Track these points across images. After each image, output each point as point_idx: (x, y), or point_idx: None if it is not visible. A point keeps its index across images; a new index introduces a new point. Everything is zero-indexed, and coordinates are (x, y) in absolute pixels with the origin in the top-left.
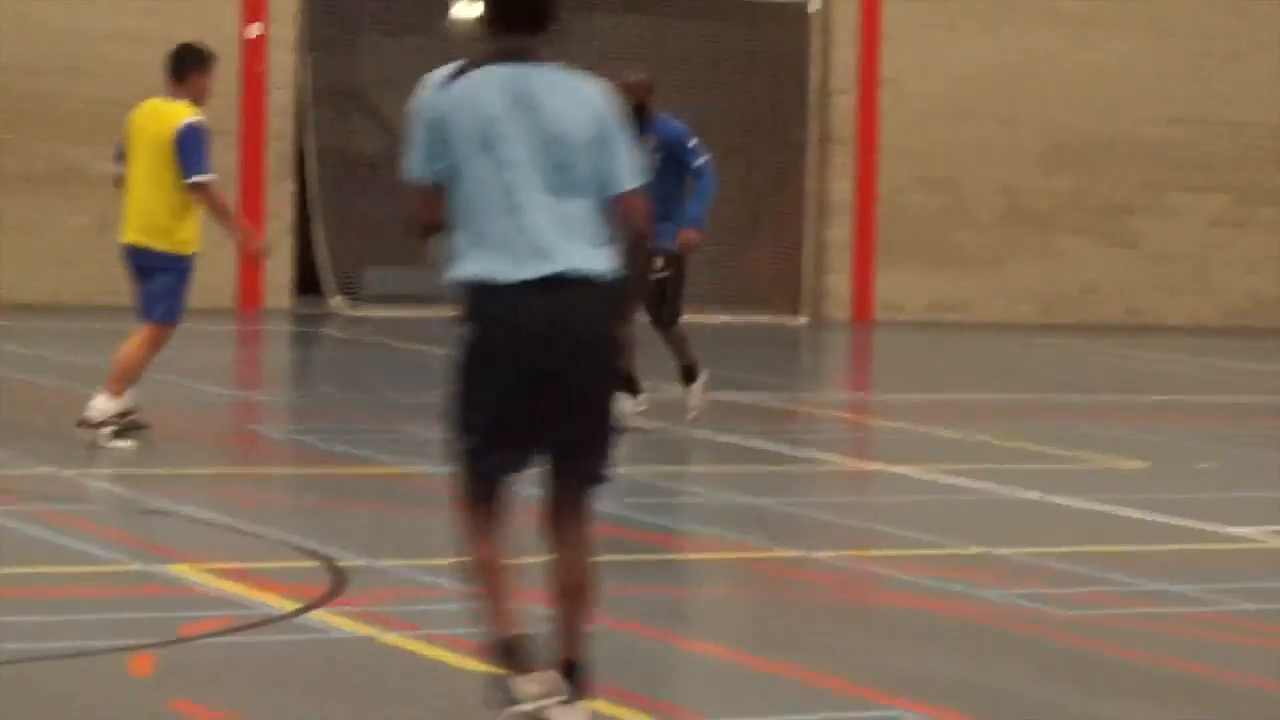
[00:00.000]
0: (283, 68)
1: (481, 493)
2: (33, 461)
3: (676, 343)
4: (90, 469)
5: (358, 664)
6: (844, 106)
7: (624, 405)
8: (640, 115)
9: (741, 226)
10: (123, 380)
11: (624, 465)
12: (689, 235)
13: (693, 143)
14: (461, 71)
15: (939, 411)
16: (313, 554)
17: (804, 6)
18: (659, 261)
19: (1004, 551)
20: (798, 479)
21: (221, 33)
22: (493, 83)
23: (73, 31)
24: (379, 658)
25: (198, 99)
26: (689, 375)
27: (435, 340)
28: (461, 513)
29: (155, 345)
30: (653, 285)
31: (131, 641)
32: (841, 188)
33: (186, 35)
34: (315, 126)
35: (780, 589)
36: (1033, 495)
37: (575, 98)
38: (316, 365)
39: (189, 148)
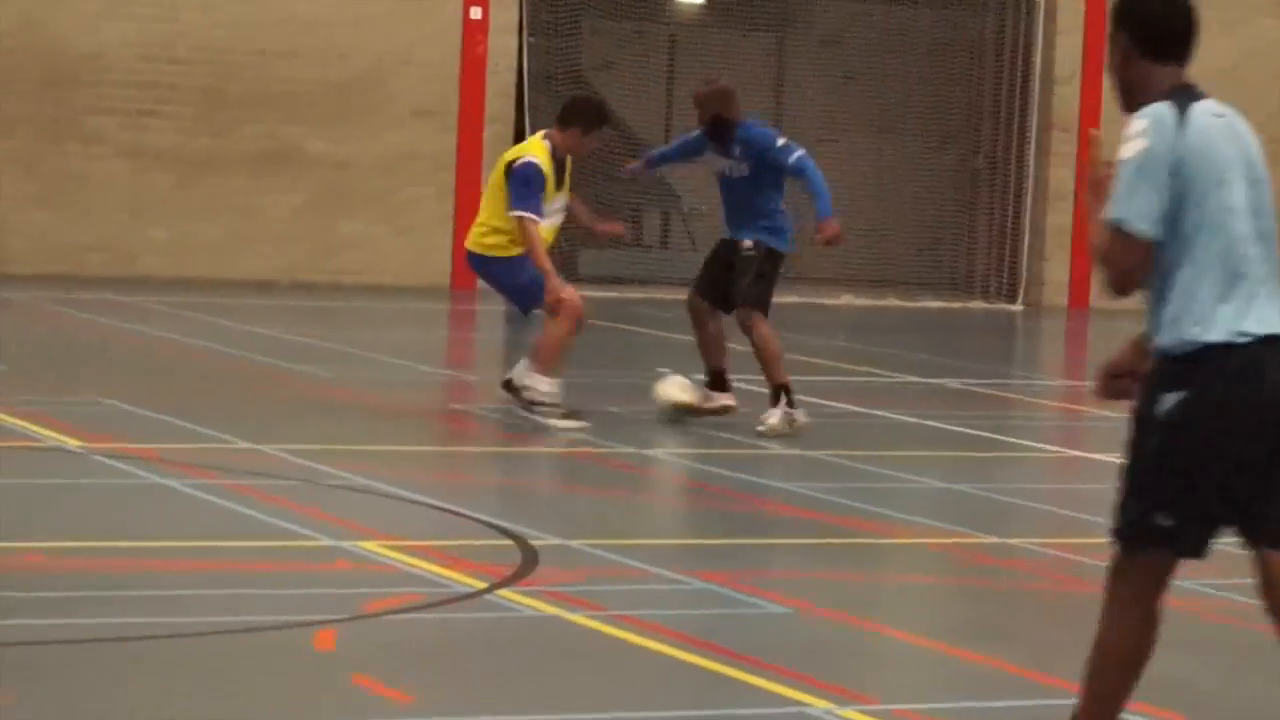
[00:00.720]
0: (503, 51)
1: (1156, 575)
2: (235, 436)
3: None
4: (290, 445)
5: (543, 643)
6: (1067, 94)
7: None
8: (722, 125)
9: (960, 212)
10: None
11: (829, 449)
12: (830, 228)
13: (781, 142)
14: (1181, 110)
15: None
16: (506, 532)
17: None
18: (748, 243)
19: None
20: (1003, 465)
21: (444, 15)
22: (1220, 124)
23: (295, 15)
24: (564, 637)
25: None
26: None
27: (644, 321)
28: (1121, 590)
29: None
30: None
31: (318, 617)
32: (1062, 175)
33: (407, 18)
34: (532, 109)
35: (978, 576)
36: None
37: (1254, 138)
38: (524, 345)
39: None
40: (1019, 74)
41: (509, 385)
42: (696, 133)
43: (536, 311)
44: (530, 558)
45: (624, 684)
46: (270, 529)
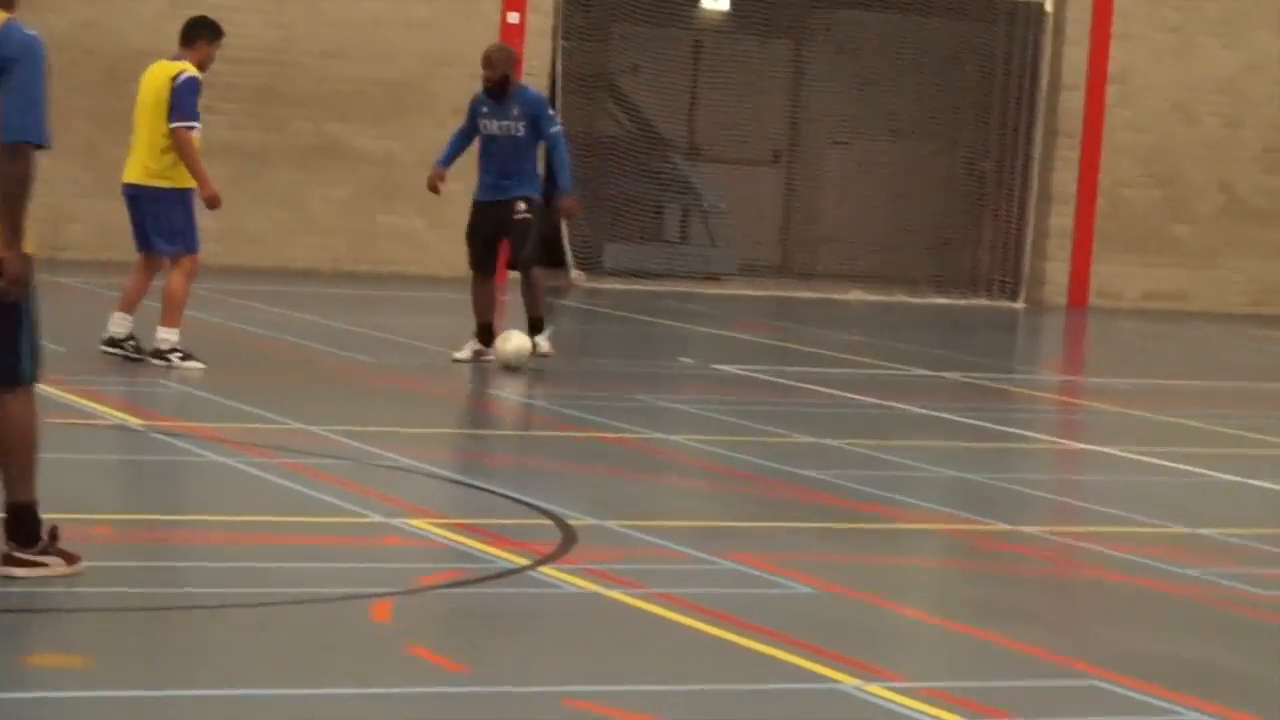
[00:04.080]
0: (538, 54)
1: None
2: (287, 417)
3: (528, 291)
4: (340, 426)
5: (586, 618)
6: (1072, 102)
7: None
8: (508, 84)
9: (967, 213)
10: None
11: (846, 439)
12: (569, 204)
13: (550, 111)
14: None
15: (1148, 396)
16: (544, 512)
17: (1040, 5)
18: (520, 205)
19: (1206, 531)
20: (1009, 456)
21: (484, 19)
22: None
23: (345, 19)
24: (606, 612)
25: (202, 66)
26: (535, 327)
27: (664, 313)
28: None
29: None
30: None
31: (373, 590)
32: (1065, 179)
33: (449, 21)
34: (564, 111)
35: (989, 561)
36: (1234, 478)
37: None
38: (553, 334)
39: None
40: (1026, 82)
41: (112, 341)
42: (471, 107)
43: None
44: (569, 536)
45: (665, 658)
46: (325, 506)
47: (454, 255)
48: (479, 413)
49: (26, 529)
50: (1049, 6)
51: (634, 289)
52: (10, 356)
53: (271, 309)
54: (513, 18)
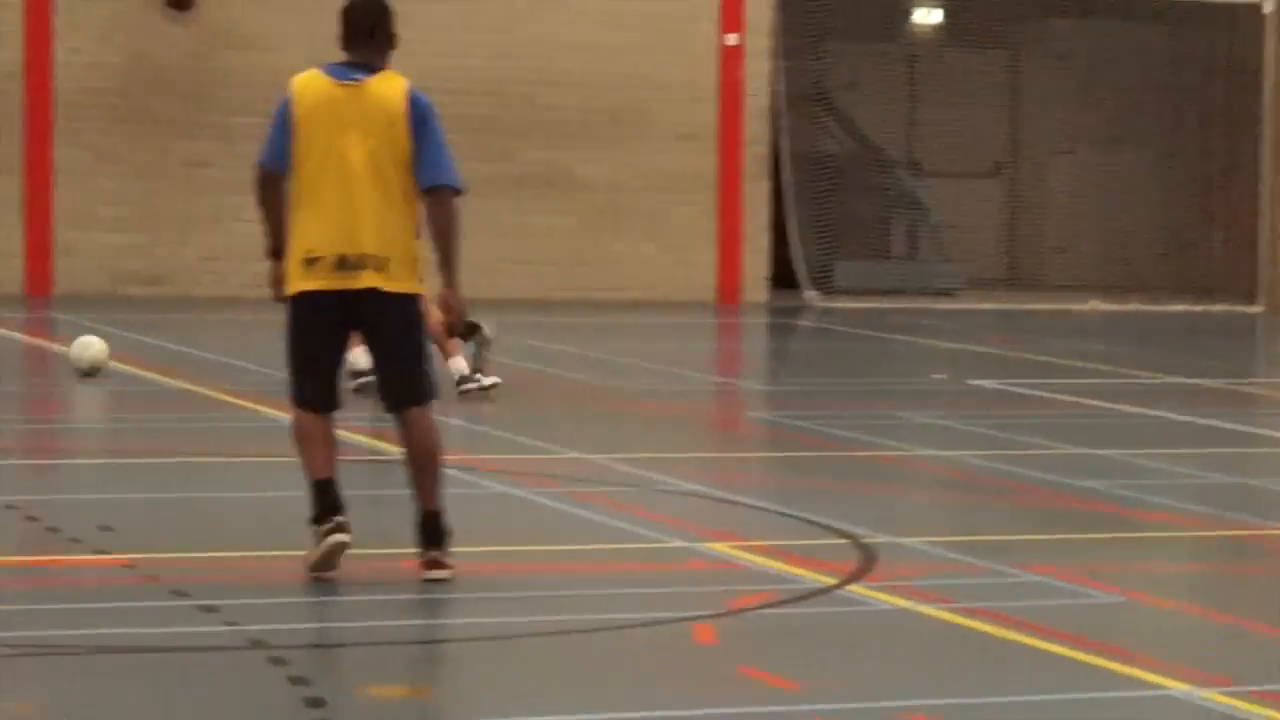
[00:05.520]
0: (758, 75)
1: None
2: (562, 447)
3: None
4: (612, 453)
5: (905, 634)
6: None
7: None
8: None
9: (1196, 218)
10: None
11: (1113, 448)
12: None
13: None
14: None
15: None
16: (838, 532)
17: (1258, 6)
18: None
19: None
20: (1259, 459)
21: (702, 43)
22: None
23: (564, 47)
24: (923, 628)
25: None
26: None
27: (904, 329)
28: None
29: None
30: None
31: (689, 613)
32: None
33: (667, 45)
34: (788, 130)
35: (1244, 560)
36: None
37: None
38: (796, 354)
39: None
40: (1249, 84)
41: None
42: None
43: None
44: (868, 555)
45: (992, 672)
46: (623, 533)
47: (683, 279)
48: (740, 436)
49: (440, 534)
50: (1267, 8)
51: (866, 307)
52: (420, 377)
53: (509, 337)
54: (731, 39)
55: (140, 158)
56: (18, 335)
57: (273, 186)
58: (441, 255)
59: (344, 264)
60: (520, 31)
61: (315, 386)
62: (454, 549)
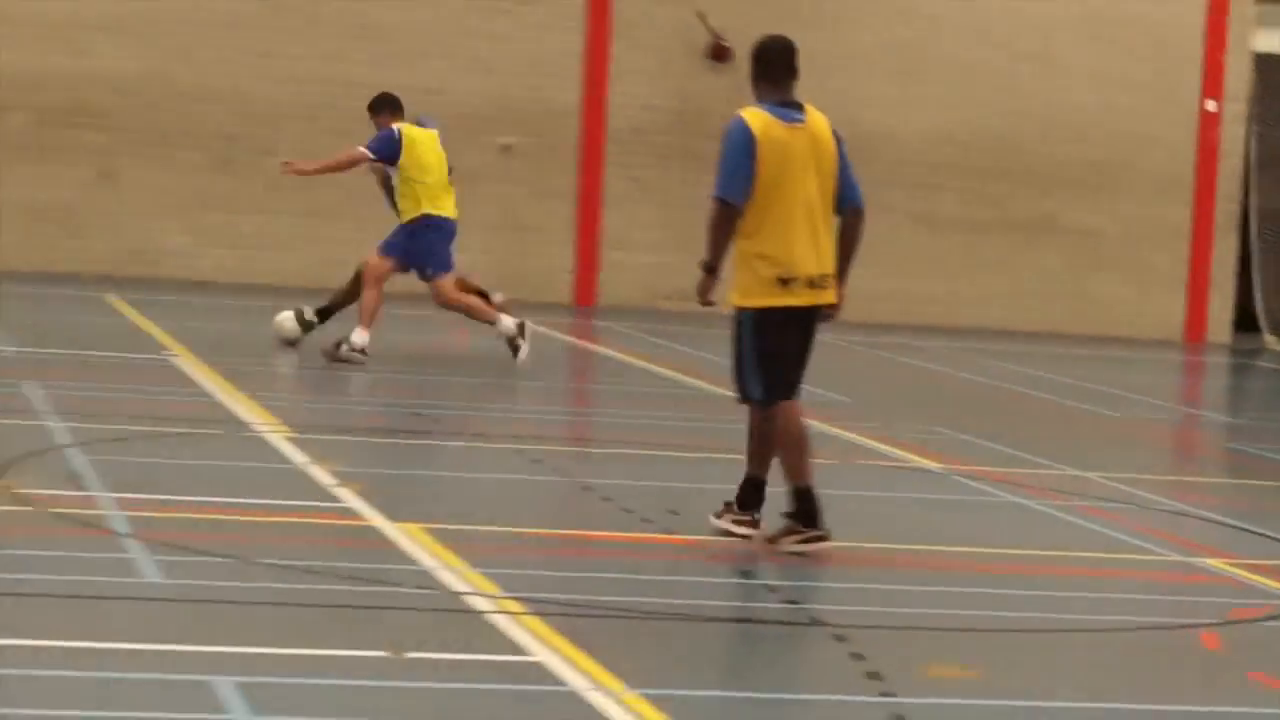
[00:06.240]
0: (1233, 138)
1: None
2: (1057, 463)
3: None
4: (1105, 472)
5: None
6: None
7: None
8: None
9: None
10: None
11: None
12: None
13: None
14: None
15: None
16: None
17: None
18: None
19: None
20: None
21: (1184, 107)
22: None
23: (1061, 105)
24: None
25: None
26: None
27: None
28: None
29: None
30: None
31: (1192, 620)
32: None
33: (1152, 109)
34: (1258, 188)
35: None
36: None
37: None
38: (1255, 391)
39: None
40: None
41: None
42: None
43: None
44: None
45: None
46: (1117, 543)
47: (1153, 318)
48: (1215, 460)
49: (806, 510)
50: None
51: None
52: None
53: (994, 364)
54: (1210, 105)
55: (678, 190)
56: (568, 338)
57: (738, 217)
58: (847, 264)
59: (813, 283)
60: (1022, 93)
61: (785, 384)
62: (970, 549)
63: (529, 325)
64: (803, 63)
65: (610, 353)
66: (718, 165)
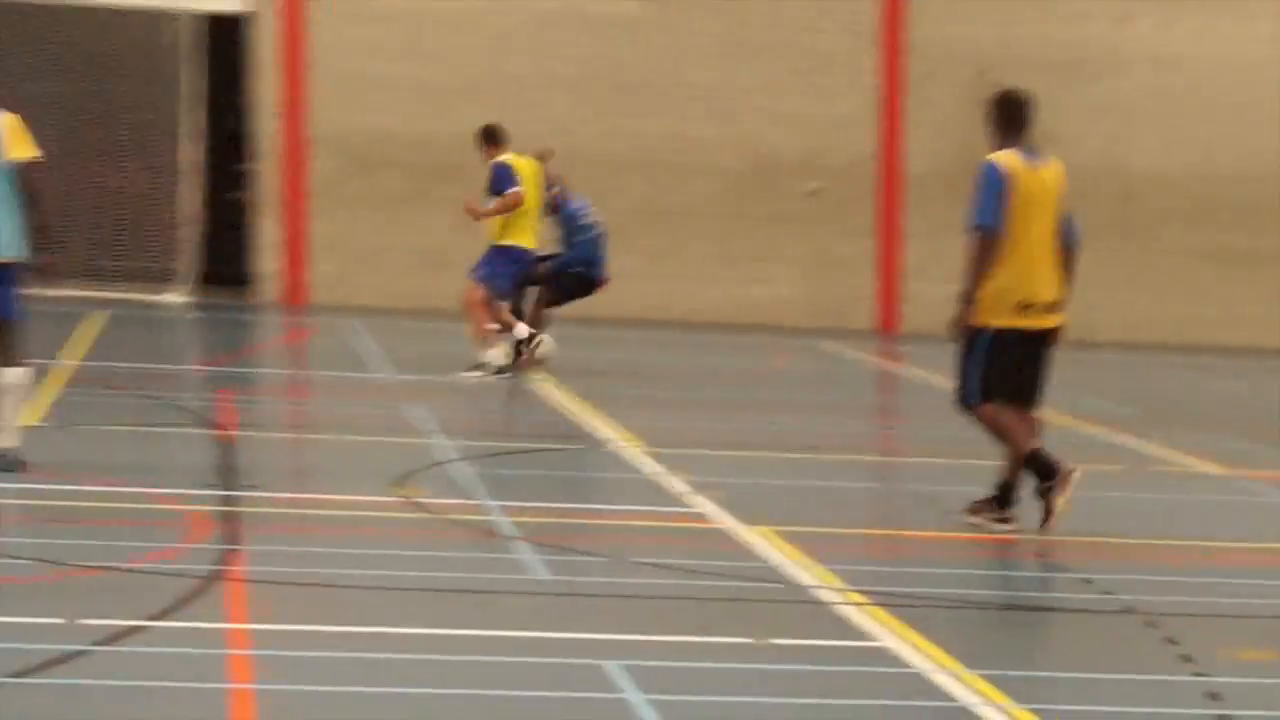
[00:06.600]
0: None
1: None
2: None
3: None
4: None
5: None
6: None
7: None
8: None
9: None
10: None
11: None
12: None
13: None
14: None
15: None
16: None
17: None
18: None
19: None
20: None
21: None
22: None
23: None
24: None
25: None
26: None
27: None
28: None
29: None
30: None
31: None
32: None
33: None
34: None
35: None
36: None
37: None
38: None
39: None
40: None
41: None
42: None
43: None
44: None
45: None
46: None
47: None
48: None
49: (1043, 468)
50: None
51: None
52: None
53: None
54: None
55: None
56: (873, 359)
57: (1000, 245)
58: (1069, 291)
59: (1049, 308)
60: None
61: (998, 393)
62: (1259, 545)
63: (533, 358)
64: (1082, 112)
65: (918, 372)
66: (973, 201)
